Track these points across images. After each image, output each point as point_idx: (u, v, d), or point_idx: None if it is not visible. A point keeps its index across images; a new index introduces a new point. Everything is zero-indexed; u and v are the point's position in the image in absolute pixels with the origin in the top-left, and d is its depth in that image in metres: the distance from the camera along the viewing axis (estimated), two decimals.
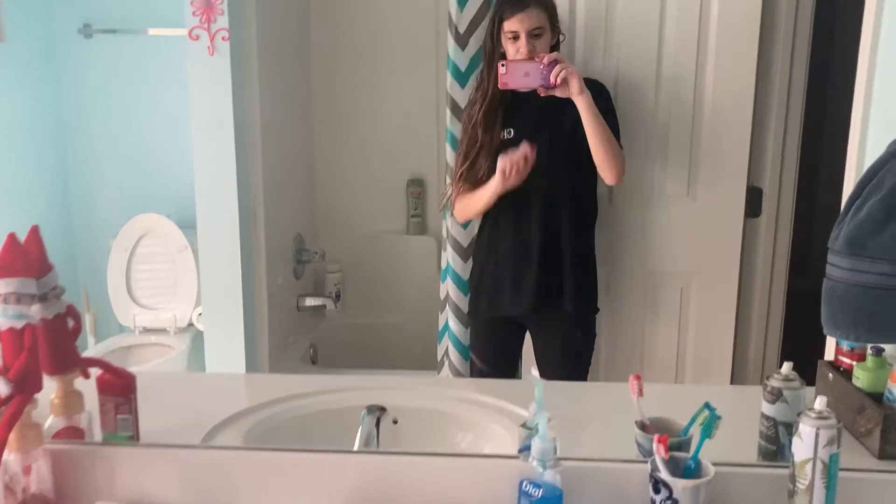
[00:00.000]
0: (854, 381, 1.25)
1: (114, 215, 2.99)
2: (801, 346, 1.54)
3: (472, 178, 2.05)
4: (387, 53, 3.05)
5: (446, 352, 2.45)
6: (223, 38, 2.23)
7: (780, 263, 2.20)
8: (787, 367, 1.09)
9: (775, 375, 1.09)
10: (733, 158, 2.10)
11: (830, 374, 1.32)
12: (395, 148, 3.12)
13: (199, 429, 1.31)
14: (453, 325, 2.41)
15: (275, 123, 2.61)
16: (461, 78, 2.27)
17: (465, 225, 2.36)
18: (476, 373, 2.28)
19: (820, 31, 2.14)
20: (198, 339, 2.55)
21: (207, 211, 2.36)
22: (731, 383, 2.17)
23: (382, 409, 1.27)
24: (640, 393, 1.11)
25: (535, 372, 1.12)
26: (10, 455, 1.03)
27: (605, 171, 1.92)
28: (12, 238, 1.00)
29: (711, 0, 2.04)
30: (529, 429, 1.05)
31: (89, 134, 3.06)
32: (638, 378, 1.11)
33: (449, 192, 2.16)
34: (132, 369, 2.75)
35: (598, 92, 1.96)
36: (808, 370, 1.28)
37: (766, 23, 2.05)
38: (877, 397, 1.20)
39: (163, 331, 2.95)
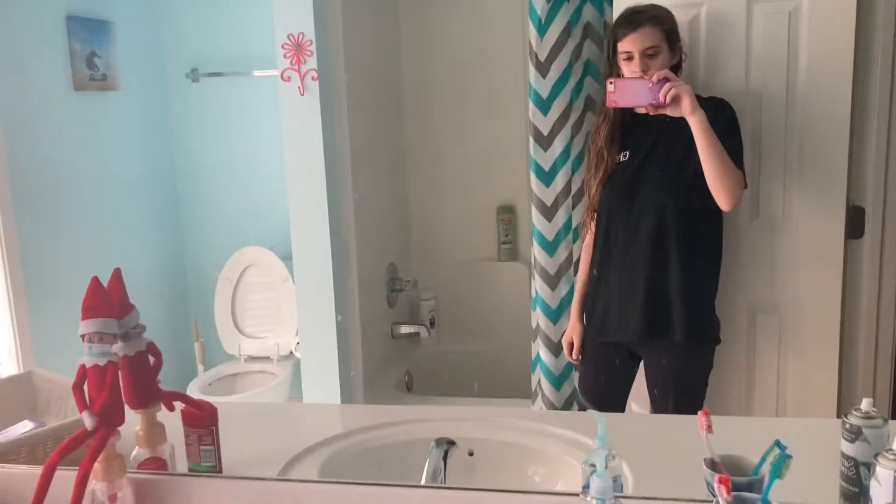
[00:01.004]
0: None
1: (221, 249, 3.16)
2: None
3: (588, 202, 2.06)
4: (475, 84, 3.10)
5: (539, 382, 2.43)
6: (313, 78, 2.33)
7: (888, 287, 2.06)
8: (866, 402, 1.02)
9: (854, 412, 1.03)
10: (831, 175, 1.99)
11: None
12: (485, 176, 3.15)
13: (280, 459, 1.35)
14: (544, 355, 2.39)
15: (366, 157, 2.69)
16: (543, 106, 2.27)
17: (552, 252, 2.35)
18: (580, 409, 2.22)
19: None
20: (299, 366, 2.64)
21: (302, 243, 2.45)
22: (838, 417, 2.04)
23: (451, 443, 1.27)
24: (710, 429, 1.07)
25: (636, 408, 1.10)
26: (96, 484, 1.10)
27: (719, 196, 1.81)
28: (95, 282, 1.08)
29: (801, 9, 1.95)
30: (590, 465, 1.03)
31: (196, 173, 3.25)
32: (706, 414, 1.07)
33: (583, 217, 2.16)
34: (236, 397, 2.88)
35: (718, 110, 1.86)
36: None
37: (862, 27, 1.94)
38: None
39: (266, 359, 3.07)
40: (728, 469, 1.04)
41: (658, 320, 1.93)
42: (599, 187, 1.99)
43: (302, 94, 2.33)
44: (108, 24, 2.85)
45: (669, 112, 1.81)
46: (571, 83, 2.27)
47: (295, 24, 2.31)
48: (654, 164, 1.91)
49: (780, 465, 0.96)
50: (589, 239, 2.10)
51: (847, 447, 1.03)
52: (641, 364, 2.06)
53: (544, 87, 2.25)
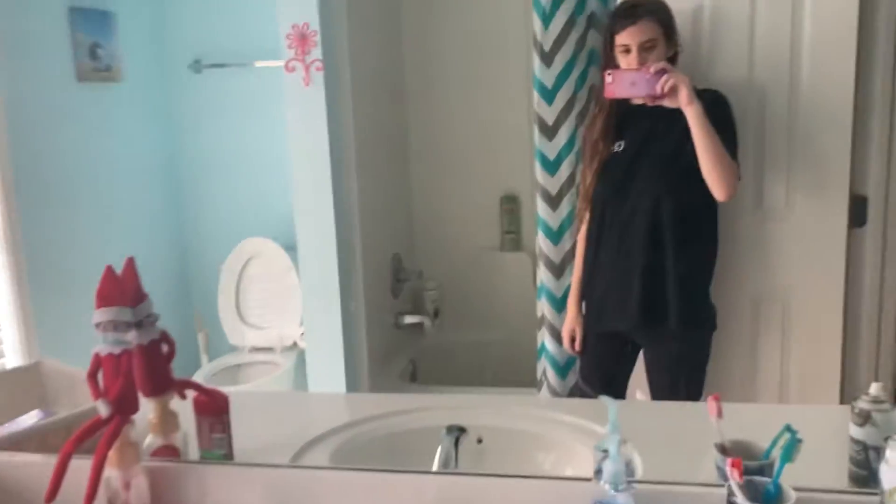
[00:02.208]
0: None
1: (224, 240, 3.16)
2: None
3: (583, 192, 2.07)
4: (478, 73, 3.10)
5: (544, 371, 2.44)
6: (317, 69, 2.33)
7: (891, 274, 2.07)
8: (875, 387, 1.04)
9: (863, 396, 1.04)
10: (833, 164, 2.00)
11: None
12: (489, 166, 3.15)
13: (291, 447, 1.37)
14: (549, 344, 2.40)
15: (370, 147, 2.69)
16: (548, 96, 2.27)
17: (557, 241, 2.36)
18: (579, 395, 2.23)
19: None
20: (303, 357, 2.65)
21: (306, 234, 2.46)
22: (841, 403, 2.06)
23: (462, 430, 1.28)
24: (720, 414, 1.08)
25: (640, 395, 1.11)
26: (111, 471, 1.11)
27: (714, 187, 1.83)
28: (109, 270, 1.08)
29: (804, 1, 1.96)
30: (602, 451, 1.04)
31: (199, 164, 3.25)
32: (716, 399, 1.08)
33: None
34: (240, 387, 2.89)
35: (715, 102, 1.88)
36: None
37: (865, 16, 1.94)
38: None
39: (270, 349, 3.08)
40: (738, 454, 1.05)
41: (654, 308, 1.95)
42: (595, 177, 2.00)
43: (307, 85, 2.34)
44: (111, 14, 2.85)
45: (667, 103, 1.82)
46: (576, 73, 2.27)
47: (299, 14, 2.31)
48: (649, 155, 1.93)
49: (791, 448, 0.97)
50: (584, 229, 2.12)
51: (856, 431, 1.04)
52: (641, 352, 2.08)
53: (549, 77, 2.25)
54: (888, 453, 0.90)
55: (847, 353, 2.09)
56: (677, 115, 1.83)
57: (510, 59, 3.02)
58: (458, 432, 1.27)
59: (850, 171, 1.99)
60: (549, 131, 2.30)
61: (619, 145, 1.98)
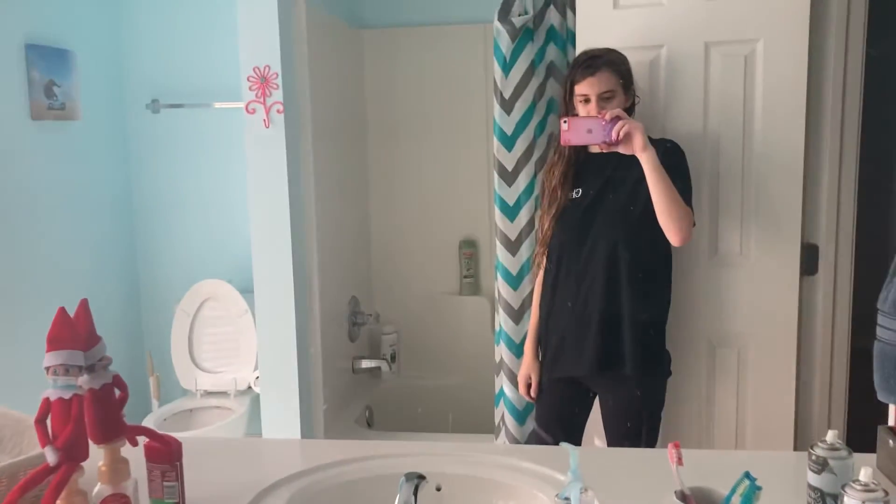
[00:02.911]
0: None
1: (179, 281, 3.11)
2: (868, 408, 1.46)
3: (541, 238, 2.08)
4: (439, 121, 3.13)
5: (502, 417, 2.43)
6: (278, 111, 2.33)
7: (842, 321, 2.12)
8: (831, 434, 1.05)
9: (820, 444, 1.05)
10: (786, 214, 2.06)
11: (891, 441, 1.27)
12: (448, 211, 3.17)
13: (245, 495, 1.32)
14: (507, 389, 2.39)
15: (330, 190, 2.69)
16: (508, 142, 2.31)
17: (516, 286, 2.37)
18: (535, 441, 2.22)
19: (872, 81, 2.10)
20: (257, 401, 2.59)
21: (263, 276, 2.43)
22: (795, 449, 2.09)
23: (421, 477, 1.26)
24: (680, 462, 1.08)
25: (598, 442, 1.11)
26: None
27: (669, 232, 1.86)
28: (62, 312, 1.05)
29: (756, 54, 2.02)
30: (564, 499, 1.03)
31: (155, 204, 3.21)
32: (676, 446, 1.08)
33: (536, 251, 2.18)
34: (192, 432, 2.81)
35: (669, 150, 1.92)
36: (874, 434, 1.23)
37: (814, 72, 2.03)
38: None
39: (223, 394, 3.01)
40: (698, 501, 1.05)
41: (610, 354, 1.96)
42: (552, 223, 2.02)
43: (267, 127, 2.33)
44: (68, 53, 2.82)
45: (621, 150, 1.86)
46: (535, 120, 2.31)
47: (261, 56, 2.31)
48: (606, 202, 1.96)
49: (751, 496, 0.98)
50: (541, 275, 2.13)
51: (813, 478, 1.05)
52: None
53: (509, 124, 2.29)
54: (846, 500, 0.91)
55: (800, 400, 2.13)
56: (633, 162, 1.86)
57: (471, 105, 3.06)
58: (417, 480, 1.25)
59: (801, 221, 2.05)
60: (509, 177, 2.33)
61: (577, 192, 2.00)
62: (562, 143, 1.92)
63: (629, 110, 1.98)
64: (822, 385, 2.14)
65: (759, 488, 0.98)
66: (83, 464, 1.09)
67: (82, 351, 1.06)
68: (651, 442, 1.99)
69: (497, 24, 2.25)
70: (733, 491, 1.03)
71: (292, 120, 2.38)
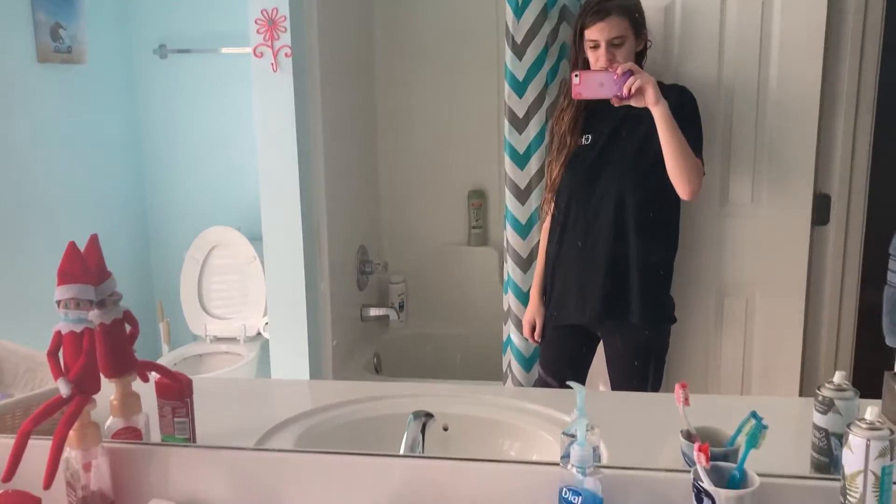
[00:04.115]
0: None
1: (188, 228, 3.11)
2: (874, 359, 1.46)
3: (549, 184, 2.06)
4: (448, 66, 3.08)
5: (509, 364, 2.45)
6: (286, 55, 2.30)
7: (851, 273, 2.11)
8: (839, 375, 1.05)
9: (827, 385, 1.05)
10: (798, 164, 2.03)
11: None
12: (457, 160, 3.14)
13: (255, 432, 1.35)
14: (514, 337, 2.40)
15: (338, 137, 2.67)
16: (519, 88, 2.27)
17: (525, 235, 2.36)
18: (541, 385, 2.25)
19: (891, 27, 2.06)
20: (266, 347, 2.61)
21: (272, 223, 2.43)
22: (800, 396, 2.10)
23: (429, 415, 1.28)
24: (686, 402, 1.09)
25: (603, 388, 1.11)
26: (71, 452, 1.08)
27: (679, 185, 1.86)
28: (72, 247, 1.05)
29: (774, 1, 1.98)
30: (569, 436, 1.04)
31: (164, 150, 3.19)
32: (684, 387, 1.09)
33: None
34: (202, 377, 2.84)
35: (681, 98, 1.89)
36: (881, 383, 1.23)
37: (833, 18, 1.98)
38: None
39: (233, 340, 3.04)
40: (703, 440, 1.06)
41: (615, 302, 1.97)
42: (561, 170, 2.01)
43: (275, 71, 2.31)
44: None
45: (633, 103, 1.83)
46: (547, 66, 2.27)
47: None
48: (615, 151, 1.94)
49: (757, 435, 0.98)
50: (548, 221, 2.13)
51: (819, 419, 1.06)
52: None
53: (520, 70, 2.25)
54: (851, 438, 0.92)
55: (807, 350, 2.13)
56: (643, 112, 1.84)
57: (482, 50, 3.00)
58: (425, 418, 1.27)
59: (814, 170, 2.03)
60: (520, 124, 2.30)
61: (586, 138, 1.99)
62: (573, 96, 1.89)
63: (640, 55, 1.95)
64: (830, 335, 2.13)
65: (766, 427, 0.99)
66: (95, 397, 1.10)
67: (93, 285, 1.07)
68: (656, 386, 2.01)
69: None
70: (739, 430, 1.04)
71: (300, 64, 2.35)
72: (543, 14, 2.24)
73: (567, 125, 2.01)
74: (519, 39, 2.24)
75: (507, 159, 2.35)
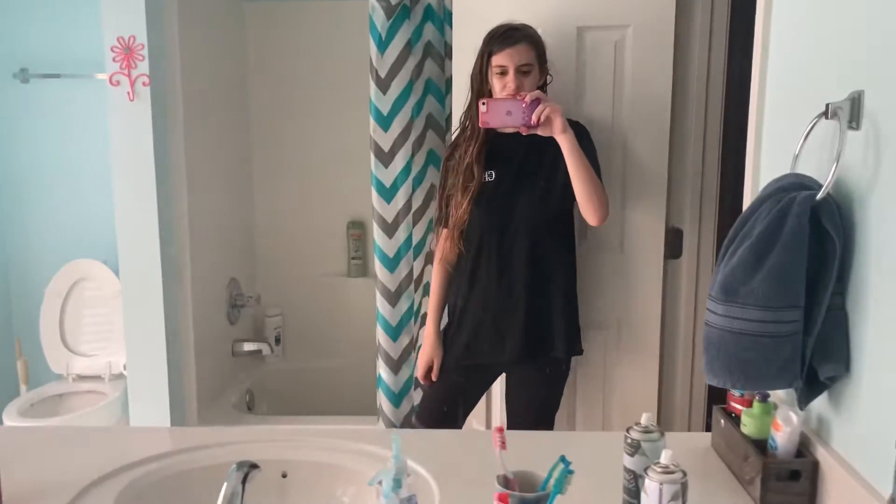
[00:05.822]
0: (742, 427, 1.23)
1: (49, 262, 2.96)
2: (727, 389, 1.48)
3: (454, 221, 1.94)
4: (325, 97, 3.06)
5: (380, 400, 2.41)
6: (144, 84, 2.23)
7: (703, 303, 2.17)
8: (645, 417, 1.06)
9: (635, 427, 1.06)
10: (653, 199, 2.09)
11: (722, 421, 1.31)
12: (336, 191, 3.12)
13: (71, 488, 1.26)
14: (383, 372, 2.37)
15: (205, 168, 2.60)
16: (384, 122, 2.27)
17: (393, 269, 2.34)
18: (408, 426, 2.19)
19: (734, 71, 2.15)
20: None
21: (129, 256, 2.34)
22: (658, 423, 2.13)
23: (254, 466, 1.22)
24: (503, 446, 1.07)
25: (476, 424, 1.08)
26: None
27: (589, 212, 1.84)
28: None
29: (626, 40, 2.04)
30: (378, 483, 1.01)
31: (25, 178, 3.04)
32: (500, 430, 1.07)
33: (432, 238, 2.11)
34: (58, 418, 2.68)
35: (581, 133, 1.88)
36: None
37: (679, 61, 2.07)
38: (762, 444, 1.18)
39: (97, 378, 2.90)
40: (521, 484, 1.05)
41: (539, 341, 1.93)
42: (469, 207, 1.91)
43: (131, 100, 2.23)
44: None
45: (540, 132, 1.81)
46: (412, 101, 2.28)
47: (125, 26, 2.21)
48: (522, 184, 1.91)
49: (563, 480, 0.98)
50: (440, 257, 2.02)
51: (628, 461, 1.07)
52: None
53: (385, 104, 2.25)
54: (647, 483, 0.92)
55: (664, 378, 2.18)
56: (546, 143, 1.82)
57: (353, 83, 2.97)
58: (248, 468, 1.21)
59: (666, 206, 2.09)
60: (385, 158, 2.30)
61: (490, 175, 1.92)
62: (480, 125, 1.84)
63: (542, 88, 1.92)
64: (685, 365, 2.19)
65: (572, 472, 0.98)
66: None
67: None
68: (556, 409, 2.01)
69: (372, 0, 2.20)
70: (550, 474, 1.03)
71: (159, 93, 2.29)
72: (407, 49, 2.24)
73: (472, 156, 1.91)
74: (383, 74, 2.24)
75: (374, 193, 2.34)
